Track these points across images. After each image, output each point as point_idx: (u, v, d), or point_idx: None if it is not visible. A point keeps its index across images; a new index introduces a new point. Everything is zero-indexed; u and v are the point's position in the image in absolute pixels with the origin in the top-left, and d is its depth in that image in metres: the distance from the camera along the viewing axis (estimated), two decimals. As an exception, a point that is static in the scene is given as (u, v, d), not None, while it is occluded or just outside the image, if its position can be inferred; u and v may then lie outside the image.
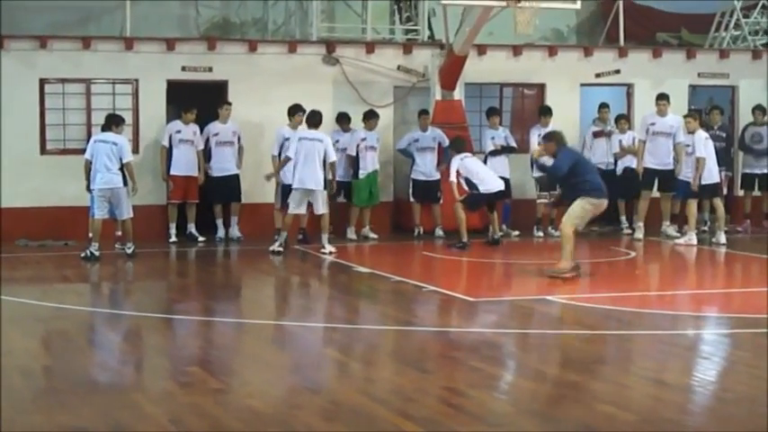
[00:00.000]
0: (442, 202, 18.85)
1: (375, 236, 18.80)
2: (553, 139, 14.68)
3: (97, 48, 18.68)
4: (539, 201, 19.09)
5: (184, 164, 18.25)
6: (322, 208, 16.61)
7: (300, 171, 16.48)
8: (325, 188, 16.57)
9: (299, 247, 17.26)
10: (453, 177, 17.39)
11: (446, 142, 18.80)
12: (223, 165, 18.49)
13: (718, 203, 18.11)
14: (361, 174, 18.66)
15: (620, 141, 19.58)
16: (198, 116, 18.36)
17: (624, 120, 19.91)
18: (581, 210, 14.05)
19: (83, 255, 15.96)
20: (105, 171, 15.93)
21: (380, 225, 19.16)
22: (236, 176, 18.59)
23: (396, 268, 15.59)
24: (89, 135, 17.77)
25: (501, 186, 17.60)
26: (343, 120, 18.78)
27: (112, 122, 16.37)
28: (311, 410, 7.76)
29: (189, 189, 18.29)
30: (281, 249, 16.55)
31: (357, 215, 18.76)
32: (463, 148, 17.77)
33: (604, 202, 14.20)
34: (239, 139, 18.61)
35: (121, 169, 16.00)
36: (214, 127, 18.52)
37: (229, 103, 18.57)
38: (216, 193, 18.48)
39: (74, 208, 17.67)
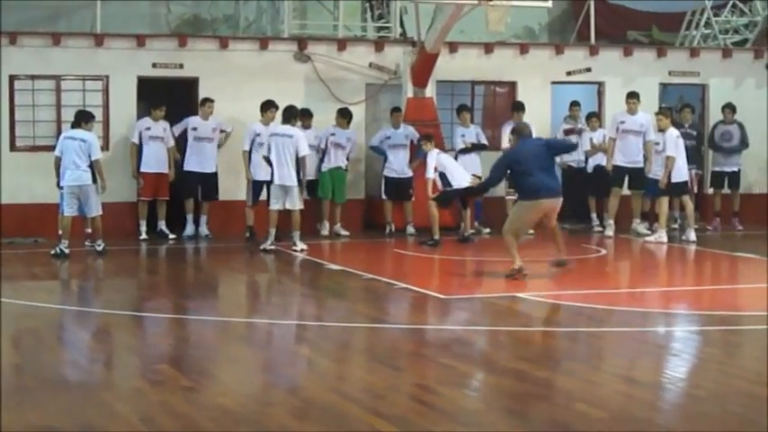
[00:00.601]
0: (413, 199, 18.85)
1: (346, 233, 18.80)
2: (514, 132, 14.63)
3: (67, 44, 18.59)
4: (507, 197, 19.13)
5: (155, 161, 18.18)
6: (297, 204, 16.56)
7: (276, 168, 16.44)
8: (299, 184, 16.53)
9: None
10: (431, 173, 17.38)
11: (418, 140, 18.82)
12: (201, 161, 18.38)
13: (687, 201, 18.19)
14: (324, 168, 18.66)
15: (591, 139, 19.65)
16: (169, 113, 18.28)
17: (595, 118, 19.97)
18: (514, 214, 14.02)
19: (53, 252, 15.87)
20: (74, 168, 15.84)
21: (352, 222, 19.16)
22: (215, 174, 18.50)
23: (367, 265, 15.59)
24: (59, 132, 17.66)
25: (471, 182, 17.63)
26: (303, 116, 18.61)
27: (82, 119, 16.28)
28: (283, 408, 7.74)
29: (159, 186, 18.22)
30: (272, 247, 16.50)
31: (327, 210, 18.75)
32: (434, 143, 17.83)
33: (542, 203, 13.61)
34: (221, 131, 18.51)
35: (91, 166, 15.91)
36: (193, 121, 18.43)
37: (211, 101, 18.43)
38: (191, 190, 18.37)
39: (43, 205, 17.58)
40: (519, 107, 19.41)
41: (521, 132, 14.28)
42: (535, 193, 13.61)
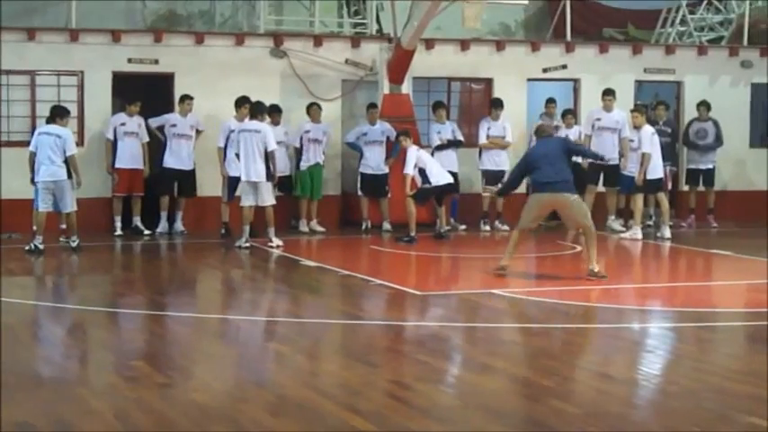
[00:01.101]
0: (389, 195, 18.85)
1: (322, 229, 18.78)
2: (536, 132, 14.76)
3: (42, 39, 18.50)
4: (484, 194, 19.19)
5: (129, 157, 18.12)
6: (267, 200, 16.54)
7: (244, 164, 16.44)
8: (268, 179, 16.49)
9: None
10: (411, 169, 17.32)
11: (394, 136, 18.83)
12: (179, 158, 18.32)
13: (662, 198, 18.25)
14: (302, 166, 18.62)
15: (567, 137, 19.64)
16: (144, 109, 18.23)
17: (570, 115, 19.99)
18: (525, 207, 14.02)
19: (27, 248, 15.80)
20: (49, 164, 15.77)
21: (328, 219, 19.15)
22: (192, 171, 18.45)
23: (343, 262, 15.58)
24: (33, 127, 17.64)
25: (450, 179, 17.63)
26: (273, 112, 18.52)
27: (57, 114, 16.22)
28: (257, 405, 7.73)
29: (134, 182, 18.16)
30: (247, 245, 16.46)
31: (306, 207, 18.72)
32: (412, 140, 17.82)
33: (543, 197, 13.57)
34: (197, 131, 18.46)
35: (66, 162, 15.85)
36: (173, 118, 18.38)
37: (190, 98, 18.35)
38: (168, 187, 18.32)
39: (18, 201, 17.49)
40: (497, 104, 19.45)
41: (541, 133, 14.43)
42: (538, 187, 13.63)
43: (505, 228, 19.01)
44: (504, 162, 19.25)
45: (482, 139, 19.26)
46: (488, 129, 19.25)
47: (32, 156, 15.92)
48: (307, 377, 8.72)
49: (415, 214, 17.33)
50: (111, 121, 18.25)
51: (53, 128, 16.01)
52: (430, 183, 17.36)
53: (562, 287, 13.28)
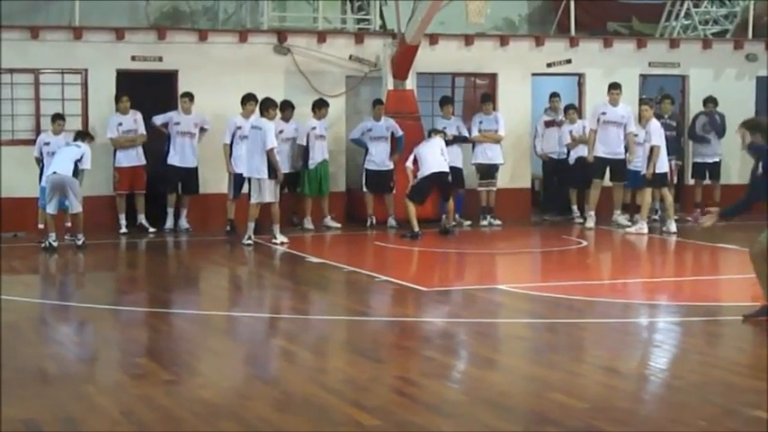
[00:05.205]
0: (394, 191, 18.82)
1: (337, 225, 18.71)
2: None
3: (45, 37, 18.49)
4: (479, 188, 19.18)
5: (127, 156, 18.12)
6: (267, 197, 16.45)
7: (246, 160, 16.48)
8: (270, 177, 16.41)
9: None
10: (410, 163, 17.62)
11: (399, 132, 18.83)
12: (182, 156, 18.31)
13: (666, 193, 18.18)
14: (311, 164, 18.56)
15: (571, 132, 19.61)
16: (148, 106, 18.20)
17: (573, 110, 19.89)
18: None
19: (43, 245, 15.80)
20: (65, 162, 15.85)
21: (333, 215, 19.10)
22: (195, 169, 18.44)
23: (348, 258, 15.58)
24: (38, 125, 17.72)
25: (440, 168, 17.47)
26: (285, 108, 18.56)
27: (86, 136, 16.49)
28: (263, 401, 7.73)
29: (135, 180, 18.16)
30: (250, 242, 16.43)
31: (311, 205, 18.67)
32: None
33: None
34: (201, 129, 18.43)
35: (75, 166, 15.87)
36: (176, 115, 18.38)
37: (189, 96, 18.34)
38: (172, 183, 18.32)
39: (23, 199, 17.48)
40: (486, 99, 19.53)
41: None
42: None
43: (498, 223, 19.01)
44: (496, 156, 19.29)
45: (474, 133, 19.27)
46: (480, 123, 19.26)
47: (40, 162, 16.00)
48: (313, 373, 8.71)
49: (413, 211, 17.27)
50: (109, 122, 18.19)
51: (80, 144, 16.13)
52: (423, 174, 17.44)
53: (567, 282, 13.25)
